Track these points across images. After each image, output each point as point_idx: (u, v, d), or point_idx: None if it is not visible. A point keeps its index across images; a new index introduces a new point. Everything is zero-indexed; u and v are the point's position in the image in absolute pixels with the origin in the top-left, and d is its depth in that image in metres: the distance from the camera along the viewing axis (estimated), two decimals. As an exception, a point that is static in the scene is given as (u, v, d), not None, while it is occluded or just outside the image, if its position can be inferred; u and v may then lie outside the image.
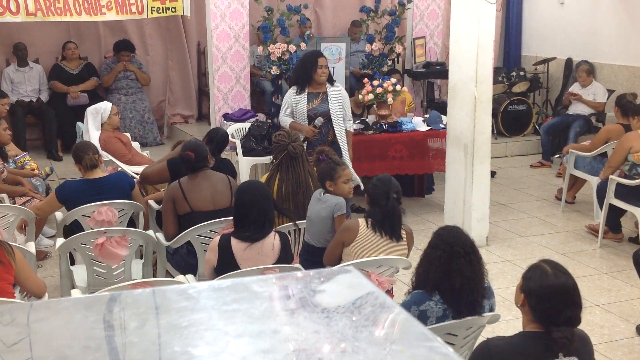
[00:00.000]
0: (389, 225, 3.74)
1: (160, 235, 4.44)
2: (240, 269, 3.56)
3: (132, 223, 4.84)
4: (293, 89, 5.68)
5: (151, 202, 5.02)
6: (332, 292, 1.39)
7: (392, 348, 1.22)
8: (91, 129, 6.04)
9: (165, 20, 9.29)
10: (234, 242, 3.61)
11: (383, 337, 1.26)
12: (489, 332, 3.47)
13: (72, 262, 4.58)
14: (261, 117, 8.12)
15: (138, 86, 8.94)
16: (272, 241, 3.67)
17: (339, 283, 1.41)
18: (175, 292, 1.43)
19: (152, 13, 7.40)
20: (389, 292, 3.80)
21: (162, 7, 7.43)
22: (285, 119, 5.70)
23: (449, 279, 2.98)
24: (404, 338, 1.25)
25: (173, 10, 7.50)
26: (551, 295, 2.59)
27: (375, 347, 1.22)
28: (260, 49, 8.09)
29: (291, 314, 1.31)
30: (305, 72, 5.60)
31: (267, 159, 6.66)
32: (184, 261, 4.40)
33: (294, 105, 5.67)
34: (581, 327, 2.68)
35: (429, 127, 6.69)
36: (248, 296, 1.37)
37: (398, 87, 6.58)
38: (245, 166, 6.92)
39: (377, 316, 1.31)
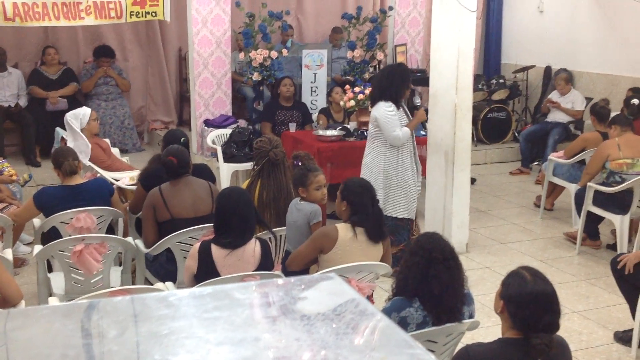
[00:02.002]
0: (377, 229, 3.78)
1: (139, 242, 4.40)
2: (220, 276, 3.54)
3: (111, 230, 4.80)
4: (391, 105, 5.22)
5: (131, 209, 4.98)
6: (314, 299, 1.39)
7: (374, 355, 1.22)
8: (77, 136, 5.95)
9: (143, 26, 9.26)
10: (214, 248, 3.60)
11: (364, 344, 1.26)
12: (469, 338, 3.48)
13: (50, 270, 4.53)
14: (242, 123, 8.10)
15: (118, 92, 8.90)
16: (253, 248, 3.65)
17: (321, 290, 1.41)
18: (156, 299, 1.42)
19: (131, 17, 7.36)
20: (370, 298, 3.80)
21: (142, 12, 7.39)
22: (402, 130, 5.21)
23: (428, 285, 2.98)
24: (385, 345, 1.25)
25: (154, 14, 7.46)
26: (530, 302, 2.61)
27: (356, 354, 1.21)
28: (241, 55, 8.09)
29: (272, 321, 1.31)
30: (404, 88, 5.30)
31: (248, 166, 6.65)
32: (164, 268, 4.37)
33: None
34: (559, 333, 2.70)
35: (409, 134, 6.71)
36: (229, 303, 1.36)
37: (379, 94, 6.59)
38: (226, 172, 6.90)
39: (359, 323, 1.30)
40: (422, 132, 6.64)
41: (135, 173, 5.73)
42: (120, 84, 8.86)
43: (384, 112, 5.20)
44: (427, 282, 2.99)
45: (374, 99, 5.33)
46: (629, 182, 5.52)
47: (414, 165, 5.41)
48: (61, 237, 4.30)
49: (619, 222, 5.58)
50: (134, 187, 5.21)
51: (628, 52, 8.46)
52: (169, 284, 3.94)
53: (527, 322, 2.61)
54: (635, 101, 6.60)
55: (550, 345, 2.59)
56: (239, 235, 3.61)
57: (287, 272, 4.00)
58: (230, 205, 3.62)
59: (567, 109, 8.37)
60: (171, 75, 9.72)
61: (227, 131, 7.48)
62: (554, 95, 8.58)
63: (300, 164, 4.51)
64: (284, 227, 4.32)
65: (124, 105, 8.94)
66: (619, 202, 5.61)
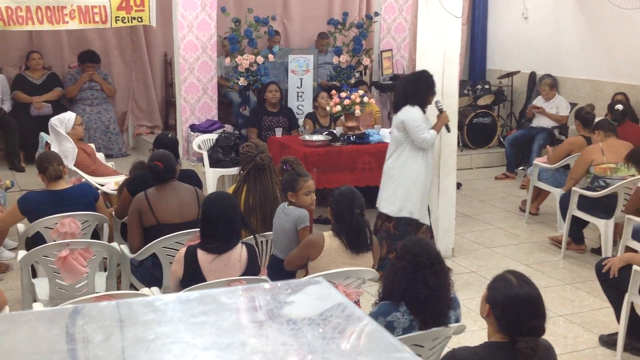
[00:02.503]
0: (355, 240, 3.75)
1: (125, 248, 4.38)
2: (206, 281, 3.53)
3: (96, 235, 4.77)
4: (418, 109, 5.22)
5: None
6: (301, 304, 1.38)
7: (361, 359, 1.21)
8: (63, 140, 5.91)
9: (129, 32, 9.24)
10: (200, 253, 3.58)
11: (352, 349, 1.25)
12: (455, 342, 3.49)
13: (34, 275, 4.49)
14: (228, 128, 8.09)
15: (103, 97, 8.87)
16: (239, 253, 3.64)
17: (308, 294, 1.41)
18: (142, 304, 1.41)
19: (116, 23, 7.32)
20: (356, 304, 3.80)
21: (128, 17, 7.35)
22: (430, 133, 5.22)
23: (414, 290, 2.99)
24: (373, 349, 1.25)
25: (139, 20, 7.43)
26: (516, 306, 2.62)
27: (344, 358, 1.21)
28: (227, 60, 8.08)
29: (260, 326, 1.30)
30: (429, 94, 5.32)
31: (234, 170, 6.64)
32: (149, 274, 4.34)
33: None
34: (545, 337, 2.71)
35: (395, 139, 6.73)
36: (216, 308, 1.35)
37: (365, 99, 6.62)
38: (212, 177, 6.88)
39: (346, 327, 1.30)
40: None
41: (121, 178, 5.71)
42: (105, 88, 8.83)
43: (412, 115, 5.20)
44: (413, 286, 2.99)
45: (398, 105, 5.31)
46: (613, 186, 5.56)
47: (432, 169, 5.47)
48: (46, 243, 4.27)
49: (604, 227, 5.62)
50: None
51: (612, 58, 8.54)
52: (154, 289, 3.92)
53: (513, 325, 2.62)
54: (619, 107, 6.65)
55: (536, 349, 2.60)
56: (225, 240, 3.60)
57: (274, 278, 4.00)
58: (216, 210, 3.61)
59: (551, 114, 8.42)
60: (157, 81, 9.70)
61: (213, 136, 7.46)
62: (538, 101, 8.64)
63: (289, 168, 4.50)
64: (271, 232, 4.31)
65: (109, 110, 8.91)
66: (604, 207, 5.65)
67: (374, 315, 3.03)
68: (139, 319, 1.35)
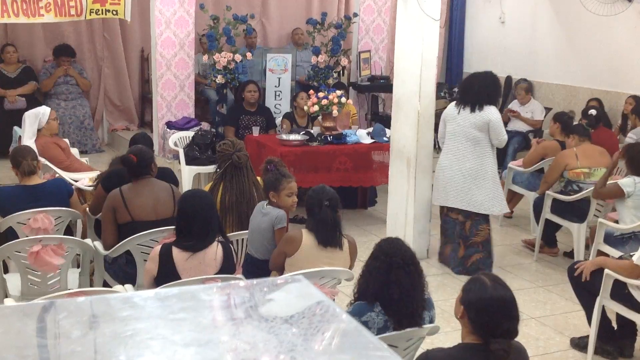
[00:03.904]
0: (323, 232, 3.76)
1: (98, 244, 4.33)
2: (181, 279, 3.51)
3: (69, 231, 4.72)
4: (496, 109, 5.48)
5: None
6: (281, 301, 1.39)
7: (341, 357, 1.22)
8: (27, 135, 5.86)
9: (106, 26, 9.15)
10: (175, 251, 3.56)
11: (332, 346, 1.26)
12: (429, 343, 3.51)
13: (6, 271, 4.43)
14: (205, 125, 8.05)
15: (78, 91, 8.78)
16: (215, 251, 3.63)
17: (288, 292, 1.41)
18: (119, 300, 1.41)
19: (91, 15, 7.25)
20: (332, 303, 3.80)
21: (102, 9, 7.29)
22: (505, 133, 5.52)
23: (388, 290, 3.00)
24: (352, 347, 1.25)
25: (114, 13, 7.36)
26: (490, 308, 2.64)
27: (323, 356, 1.22)
28: (205, 57, 8.04)
29: (239, 323, 1.30)
30: (501, 94, 5.66)
31: (210, 168, 6.61)
32: (123, 271, 4.30)
33: None
34: (517, 339, 2.73)
35: (372, 140, 6.76)
36: (195, 305, 1.35)
37: (343, 99, 6.63)
38: (187, 175, 6.84)
39: (326, 325, 1.31)
40: (385, 139, 6.69)
41: (95, 174, 5.65)
42: (80, 83, 8.74)
43: (497, 116, 5.45)
44: (387, 287, 3.01)
45: (479, 103, 5.43)
46: (586, 191, 5.63)
47: None
48: (18, 238, 4.21)
49: (576, 230, 5.69)
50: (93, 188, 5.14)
51: (586, 64, 8.65)
52: (128, 286, 3.88)
53: (487, 327, 2.64)
54: (592, 112, 6.73)
55: (509, 350, 2.62)
56: (200, 238, 3.58)
57: (248, 276, 3.99)
58: (192, 208, 3.59)
59: (526, 118, 8.51)
60: (133, 76, 9.62)
61: (190, 133, 7.43)
62: (514, 105, 8.73)
63: (273, 168, 4.49)
64: (246, 231, 4.30)
65: (84, 105, 8.82)
66: (577, 211, 5.72)
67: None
68: (117, 315, 1.34)
